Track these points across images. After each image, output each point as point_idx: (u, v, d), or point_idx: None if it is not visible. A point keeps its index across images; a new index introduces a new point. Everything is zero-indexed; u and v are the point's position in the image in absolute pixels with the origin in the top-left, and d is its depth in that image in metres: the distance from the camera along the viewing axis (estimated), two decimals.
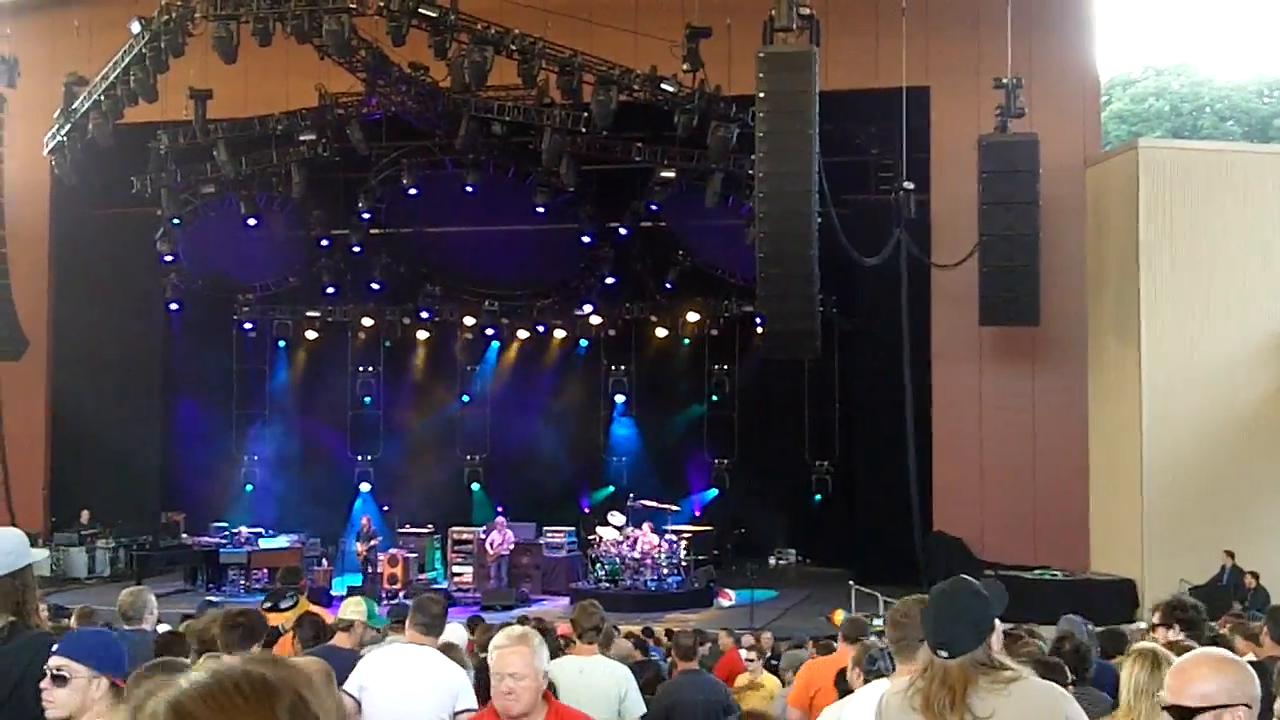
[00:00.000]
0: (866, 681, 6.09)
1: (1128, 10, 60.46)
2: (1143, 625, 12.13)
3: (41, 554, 5.21)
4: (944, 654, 4.20)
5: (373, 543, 25.08)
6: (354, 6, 20.62)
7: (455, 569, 25.22)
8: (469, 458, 31.67)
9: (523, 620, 13.74)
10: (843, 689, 6.65)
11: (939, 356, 24.65)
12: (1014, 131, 22.52)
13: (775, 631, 18.52)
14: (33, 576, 4.99)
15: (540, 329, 31.15)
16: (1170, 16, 66.96)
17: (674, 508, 26.30)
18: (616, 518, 25.27)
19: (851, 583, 22.17)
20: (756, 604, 22.81)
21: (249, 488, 31.26)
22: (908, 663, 4.94)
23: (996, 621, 4.32)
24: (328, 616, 10.53)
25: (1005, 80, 22.17)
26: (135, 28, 21.90)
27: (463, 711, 6.58)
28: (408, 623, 7.22)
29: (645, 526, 24.60)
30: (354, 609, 8.49)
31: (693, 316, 29.83)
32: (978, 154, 22.70)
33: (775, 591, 25.48)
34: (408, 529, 26.54)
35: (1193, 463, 22.09)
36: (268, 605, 14.43)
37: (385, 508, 29.24)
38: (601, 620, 7.88)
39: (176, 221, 26.99)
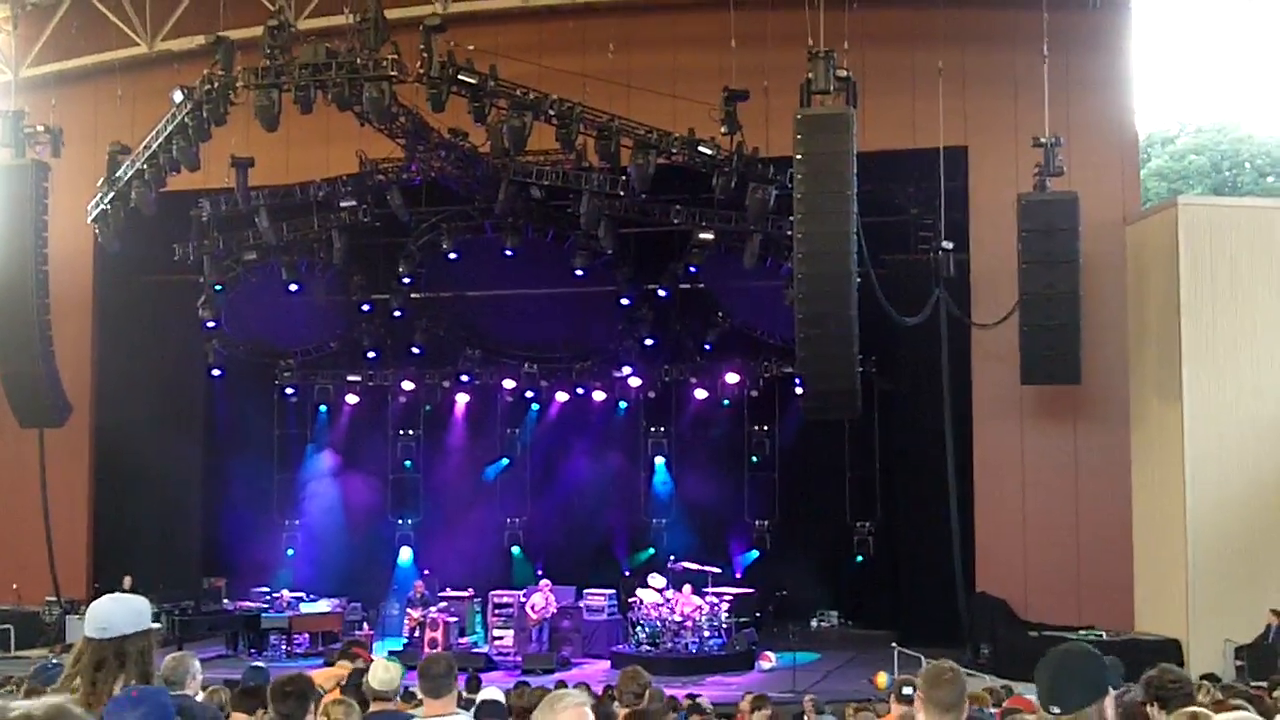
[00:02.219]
0: None
1: (1166, 67, 60.60)
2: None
3: (158, 626, 5.35)
4: (1056, 710, 4.28)
5: (431, 609, 24.89)
6: (394, 74, 20.79)
7: (496, 632, 25.11)
8: (509, 520, 31.51)
9: (561, 684, 13.69)
10: None
11: (980, 416, 24.50)
12: (1053, 190, 22.39)
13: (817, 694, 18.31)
14: (154, 642, 5.14)
15: (580, 391, 31.06)
16: (1209, 73, 66.96)
17: (715, 569, 26.13)
18: (657, 580, 25.12)
19: (895, 645, 21.97)
20: (798, 666, 22.61)
21: (290, 552, 31.26)
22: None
23: (1110, 689, 4.38)
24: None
25: (1044, 139, 22.10)
26: (178, 97, 22.14)
27: None
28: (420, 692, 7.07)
29: (686, 589, 24.47)
30: (387, 675, 8.24)
31: (732, 378, 29.69)
32: (1017, 212, 22.53)
33: (817, 654, 25.26)
34: (448, 593, 26.47)
35: (1237, 521, 21.90)
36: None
37: (426, 571, 29.16)
38: (644, 686, 7.86)
39: (219, 288, 27.25)
